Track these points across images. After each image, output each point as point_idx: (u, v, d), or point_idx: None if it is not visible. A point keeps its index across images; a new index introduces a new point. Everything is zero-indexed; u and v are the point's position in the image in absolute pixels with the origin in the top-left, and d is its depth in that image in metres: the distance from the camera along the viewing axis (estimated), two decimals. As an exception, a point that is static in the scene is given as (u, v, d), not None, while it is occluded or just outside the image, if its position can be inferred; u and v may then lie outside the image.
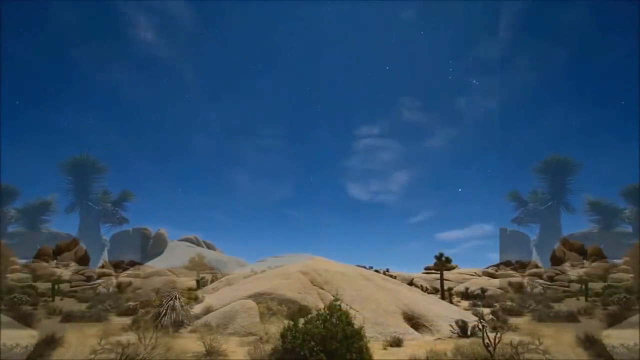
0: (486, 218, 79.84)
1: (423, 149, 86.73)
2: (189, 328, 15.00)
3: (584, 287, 16.94)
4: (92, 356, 8.81)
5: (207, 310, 18.28)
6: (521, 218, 11.58)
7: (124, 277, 33.45)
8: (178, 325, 14.90)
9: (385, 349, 12.33)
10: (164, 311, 14.98)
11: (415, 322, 16.83)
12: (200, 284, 37.26)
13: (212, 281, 38.29)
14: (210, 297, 23.11)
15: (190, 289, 31.37)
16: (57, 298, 17.86)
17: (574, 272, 19.81)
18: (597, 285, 16.49)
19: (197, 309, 19.11)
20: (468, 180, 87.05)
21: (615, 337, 10.81)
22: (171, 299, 15.81)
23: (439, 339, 14.58)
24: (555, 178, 10.92)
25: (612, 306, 13.94)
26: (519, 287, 38.26)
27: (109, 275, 27.90)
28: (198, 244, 72.53)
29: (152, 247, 63.71)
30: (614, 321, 12.70)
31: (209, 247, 73.40)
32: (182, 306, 15.87)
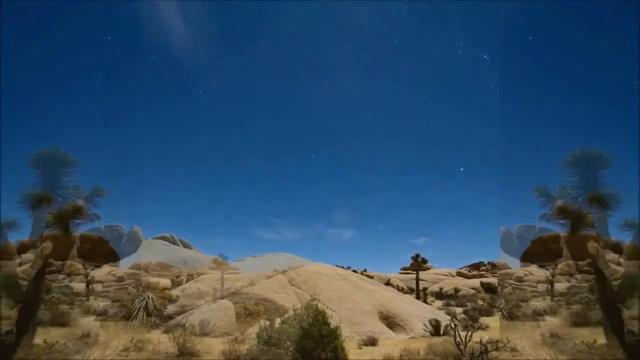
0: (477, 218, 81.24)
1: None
2: (162, 328, 14.64)
3: (550, 287, 17.72)
4: (125, 354, 9.66)
5: (182, 310, 17.91)
6: (550, 215, 11.67)
7: (153, 278, 35.78)
8: (150, 325, 14.52)
9: (360, 348, 12.46)
10: (136, 311, 14.56)
11: (390, 321, 17.11)
12: (175, 283, 36.39)
13: (187, 280, 37.49)
14: (185, 297, 22.66)
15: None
16: (90, 298, 18.92)
17: (541, 273, 20.73)
18: (562, 286, 17.26)
19: (171, 308, 18.68)
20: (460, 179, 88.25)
21: (576, 335, 11.40)
22: (144, 299, 15.38)
23: (412, 337, 14.89)
24: (585, 172, 11.00)
25: (575, 305, 14.65)
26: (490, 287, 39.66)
27: (138, 276, 27.89)
28: (174, 242, 70.75)
29: (125, 245, 61.57)
30: (576, 320, 13.36)
31: (185, 245, 71.73)
32: (155, 306, 15.47)
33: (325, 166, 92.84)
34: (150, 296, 15.87)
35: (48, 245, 12.53)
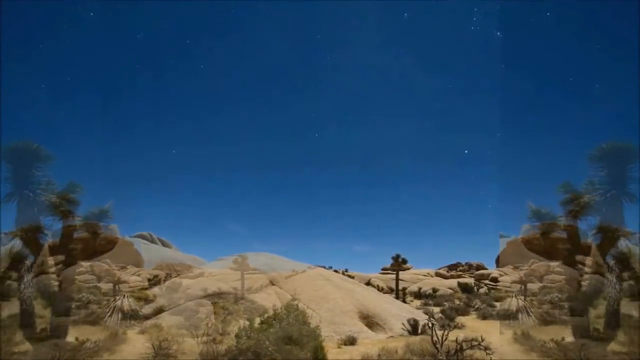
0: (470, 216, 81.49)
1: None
2: (138, 329, 14.31)
3: (523, 287, 18.38)
4: (152, 352, 10.04)
5: (159, 310, 17.56)
6: (576, 211, 11.57)
7: (125, 276, 35.39)
8: (126, 325, 14.19)
9: (339, 347, 12.55)
10: (110, 311, 14.18)
11: (369, 320, 17.31)
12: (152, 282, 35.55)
13: (165, 280, 36.70)
14: (162, 297, 22.17)
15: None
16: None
17: (515, 274, 21.52)
18: (534, 286, 17.89)
19: (148, 308, 18.27)
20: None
21: (546, 333, 11.89)
22: (119, 299, 14.99)
23: (391, 337, 15.12)
24: (613, 166, 10.88)
25: (546, 305, 15.23)
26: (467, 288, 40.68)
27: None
28: (152, 241, 69.03)
29: (101, 242, 59.54)
30: (546, 319, 13.92)
31: (164, 244, 70.15)
32: (130, 306, 15.10)
33: (314, 160, 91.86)
34: (125, 295, 15.49)
35: (77, 247, 12.74)
